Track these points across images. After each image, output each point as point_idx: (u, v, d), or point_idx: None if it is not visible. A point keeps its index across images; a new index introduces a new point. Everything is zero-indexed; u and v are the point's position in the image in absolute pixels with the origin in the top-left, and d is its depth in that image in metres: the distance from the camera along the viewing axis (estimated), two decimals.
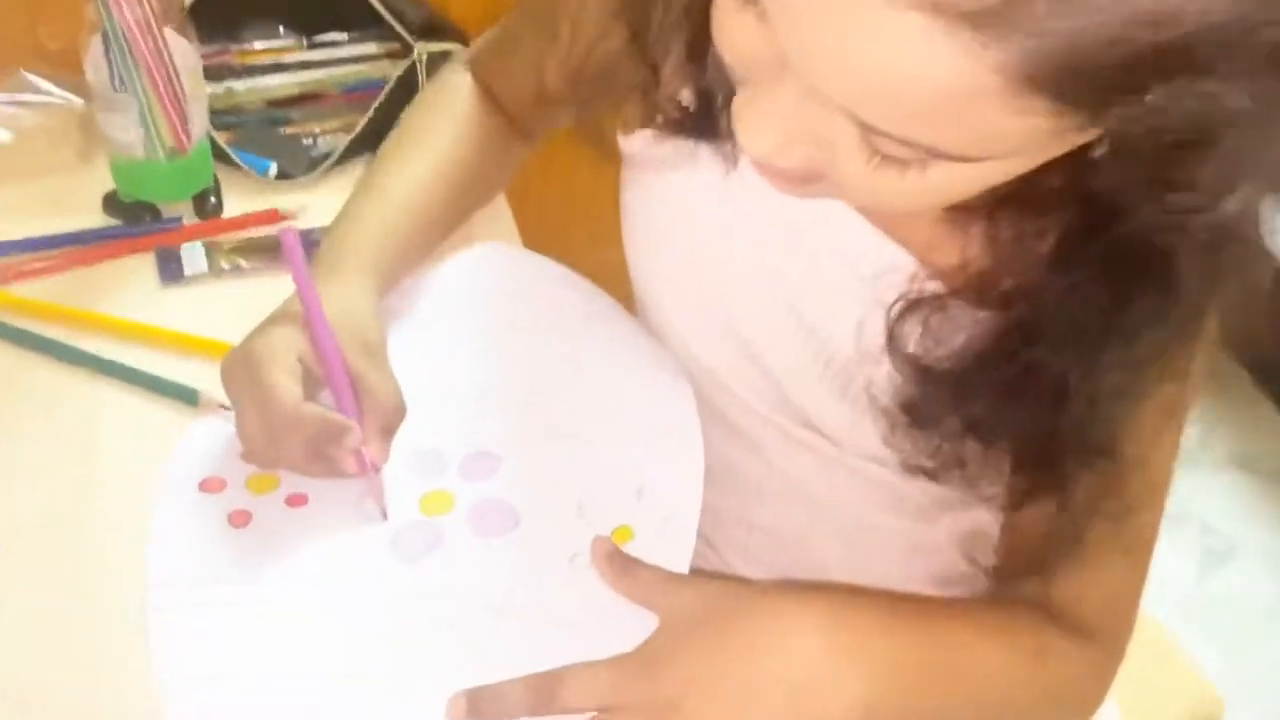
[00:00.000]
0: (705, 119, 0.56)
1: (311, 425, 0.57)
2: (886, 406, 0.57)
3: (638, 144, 0.64)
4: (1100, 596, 0.59)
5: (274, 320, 0.61)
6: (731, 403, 0.67)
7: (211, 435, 0.64)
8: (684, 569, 0.60)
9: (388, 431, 0.60)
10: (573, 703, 0.52)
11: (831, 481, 0.67)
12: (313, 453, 0.58)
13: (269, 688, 0.53)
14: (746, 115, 0.44)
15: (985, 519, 0.62)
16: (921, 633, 0.55)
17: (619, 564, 0.58)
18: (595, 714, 0.53)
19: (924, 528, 0.68)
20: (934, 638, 0.56)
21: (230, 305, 0.70)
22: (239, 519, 0.60)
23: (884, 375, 0.57)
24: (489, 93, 0.75)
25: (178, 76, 0.73)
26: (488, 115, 0.75)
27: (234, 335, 0.62)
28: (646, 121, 0.60)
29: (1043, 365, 0.51)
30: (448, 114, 0.73)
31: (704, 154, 0.58)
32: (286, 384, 0.57)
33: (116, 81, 0.72)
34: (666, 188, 0.64)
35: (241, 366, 0.58)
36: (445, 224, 0.73)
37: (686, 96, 0.57)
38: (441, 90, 0.75)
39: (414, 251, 0.70)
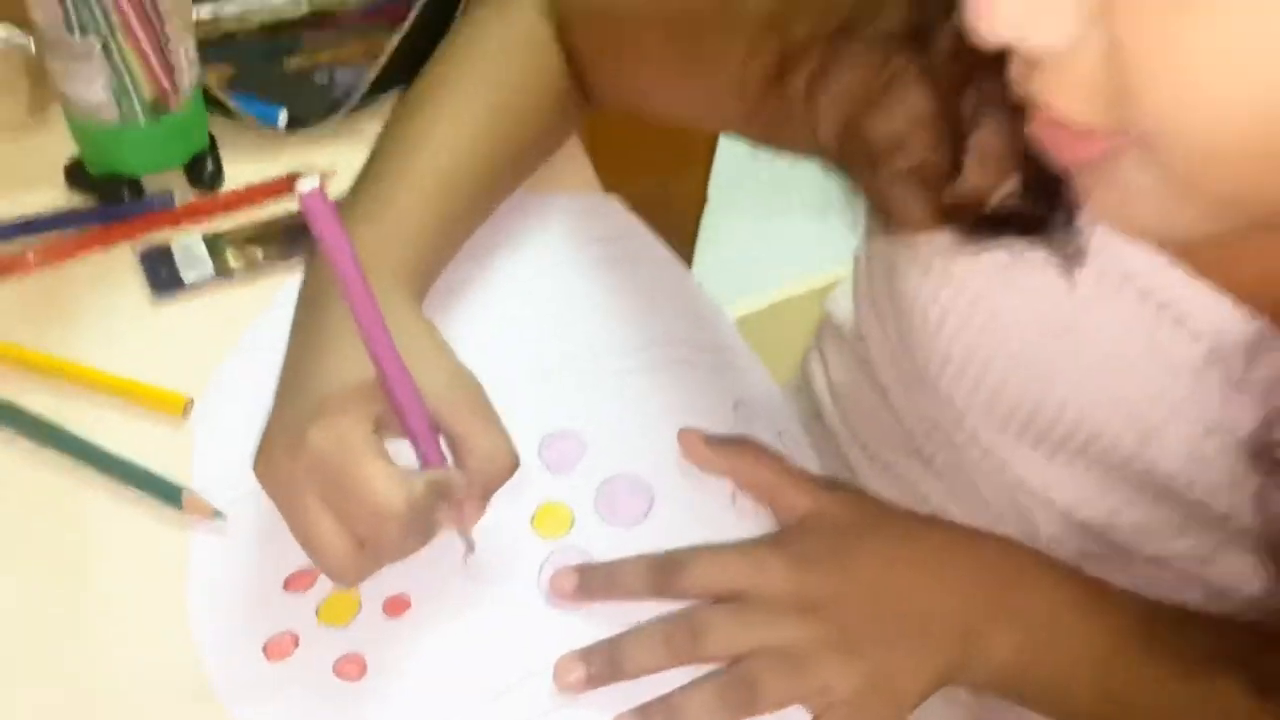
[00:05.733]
0: (1034, 217, 0.41)
1: (419, 498, 0.43)
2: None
3: (922, 243, 0.48)
4: None
5: (319, 378, 0.44)
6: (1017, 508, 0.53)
7: (226, 565, 0.48)
8: None
9: (490, 493, 0.46)
10: (699, 585, 0.47)
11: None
12: (410, 534, 0.44)
13: None
14: None
15: None
16: (1107, 633, 0.47)
17: (736, 450, 0.51)
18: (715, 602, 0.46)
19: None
20: (1122, 650, 0.47)
21: (246, 319, 0.54)
22: (349, 668, 0.45)
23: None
24: (572, 52, 0.57)
25: (156, 8, 0.53)
26: (562, 76, 0.58)
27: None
28: (938, 218, 0.44)
29: None
30: (512, 67, 0.56)
31: (1028, 253, 0.43)
32: (380, 469, 0.42)
33: (73, 23, 0.52)
34: (968, 285, 0.47)
35: (309, 471, 0.42)
36: (490, 209, 0.57)
37: (1006, 190, 0.41)
38: (503, 28, 0.57)
39: (458, 245, 0.55)
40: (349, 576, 0.44)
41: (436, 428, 0.45)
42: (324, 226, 0.39)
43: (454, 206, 0.52)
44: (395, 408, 0.44)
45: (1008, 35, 0.30)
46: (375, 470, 0.42)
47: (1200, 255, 0.41)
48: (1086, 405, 0.46)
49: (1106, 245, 0.43)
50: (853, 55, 0.43)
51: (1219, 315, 0.41)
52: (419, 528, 0.44)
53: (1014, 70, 0.33)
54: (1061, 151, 0.34)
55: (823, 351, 0.67)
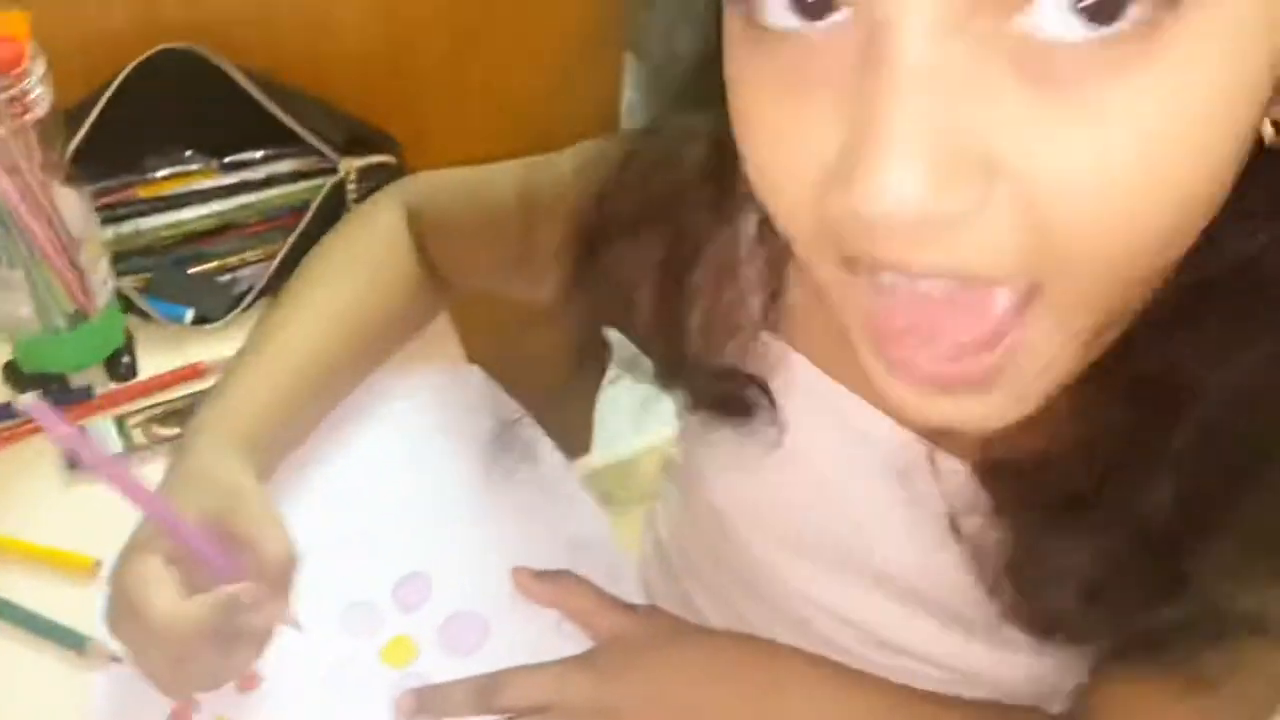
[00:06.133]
0: (743, 402, 0.52)
1: (206, 616, 0.50)
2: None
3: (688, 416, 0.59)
4: None
5: (132, 537, 0.54)
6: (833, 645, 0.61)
7: (122, 699, 0.56)
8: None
9: (284, 584, 0.54)
10: (515, 700, 0.56)
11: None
12: (229, 644, 0.52)
13: None
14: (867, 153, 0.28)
15: None
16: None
17: (558, 582, 0.61)
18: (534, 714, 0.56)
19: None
20: None
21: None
22: None
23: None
24: (425, 252, 0.69)
25: (73, 241, 0.65)
26: (415, 269, 0.68)
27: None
28: (688, 406, 0.56)
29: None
30: (368, 265, 0.67)
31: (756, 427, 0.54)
32: (161, 595, 0.50)
33: (0, 255, 0.64)
34: (722, 449, 0.58)
35: (119, 609, 0.52)
36: (349, 386, 0.67)
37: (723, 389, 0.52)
38: (364, 234, 0.68)
39: (313, 418, 0.65)
40: (177, 693, 0.54)
41: (221, 542, 0.53)
42: (49, 426, 0.47)
43: (299, 387, 0.62)
44: (174, 539, 0.52)
45: (914, 212, 0.28)
46: (158, 600, 0.50)
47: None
48: (832, 525, 0.55)
49: (813, 388, 0.52)
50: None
51: (887, 434, 0.50)
52: (223, 640, 0.52)
53: (886, 255, 0.31)
54: (944, 379, 0.34)
55: (667, 486, 0.77)
